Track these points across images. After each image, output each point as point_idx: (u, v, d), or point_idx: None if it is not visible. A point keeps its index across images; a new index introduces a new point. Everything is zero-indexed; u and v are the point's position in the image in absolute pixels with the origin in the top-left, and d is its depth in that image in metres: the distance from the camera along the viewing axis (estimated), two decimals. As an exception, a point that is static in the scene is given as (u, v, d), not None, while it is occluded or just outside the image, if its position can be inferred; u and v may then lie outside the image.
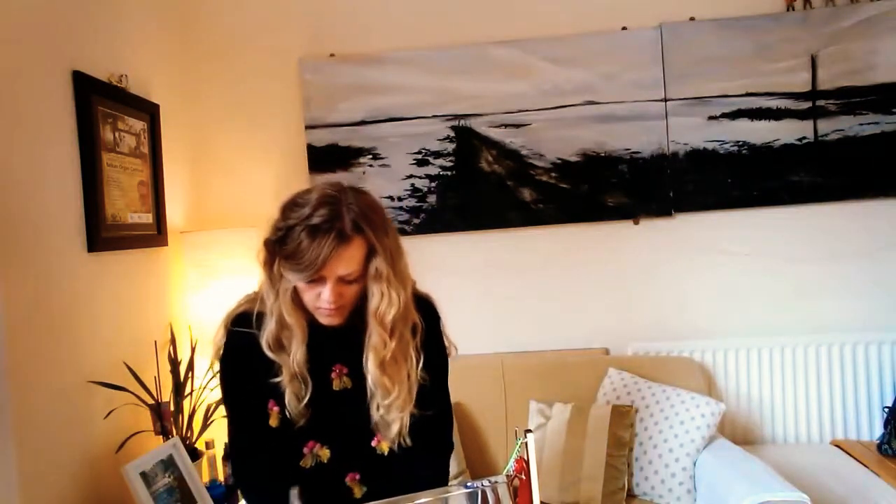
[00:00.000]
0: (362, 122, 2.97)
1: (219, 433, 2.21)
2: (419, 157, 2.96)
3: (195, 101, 3.01)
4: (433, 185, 2.96)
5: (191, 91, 3.00)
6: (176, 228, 2.79)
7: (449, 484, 2.24)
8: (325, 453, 1.43)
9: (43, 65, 2.07)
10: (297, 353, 1.38)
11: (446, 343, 1.54)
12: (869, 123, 2.80)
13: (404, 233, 2.96)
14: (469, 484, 1.13)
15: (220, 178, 3.04)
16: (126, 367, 2.29)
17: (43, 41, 2.07)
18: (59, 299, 2.07)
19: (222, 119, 3.04)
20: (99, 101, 2.28)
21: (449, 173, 2.96)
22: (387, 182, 2.96)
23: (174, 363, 2.45)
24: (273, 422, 1.41)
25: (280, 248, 1.30)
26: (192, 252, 2.71)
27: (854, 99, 2.80)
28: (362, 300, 1.39)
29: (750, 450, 2.42)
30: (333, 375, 1.43)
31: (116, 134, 2.39)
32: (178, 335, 2.58)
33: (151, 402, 2.32)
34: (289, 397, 1.39)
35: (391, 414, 1.39)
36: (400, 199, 2.97)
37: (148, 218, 2.58)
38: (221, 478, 2.46)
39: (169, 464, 2.17)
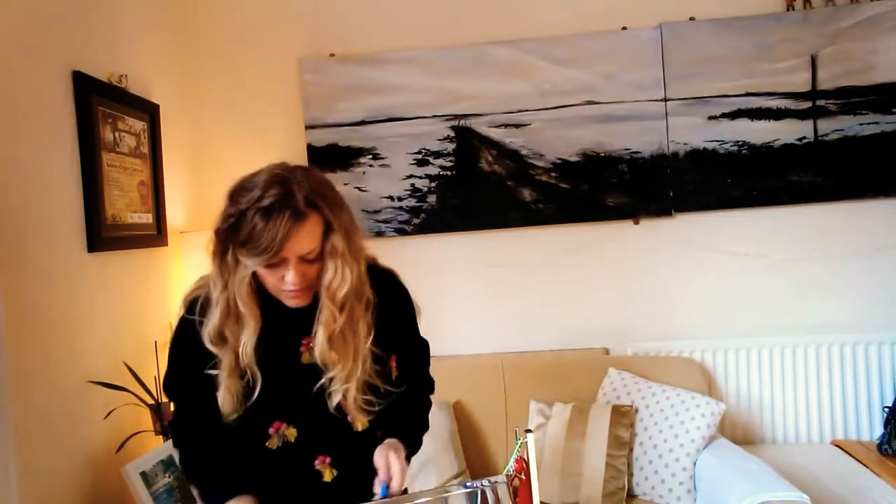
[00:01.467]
0: (362, 122, 2.97)
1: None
2: (419, 157, 2.96)
3: (195, 101, 3.01)
4: (433, 185, 2.96)
5: (191, 91, 3.00)
6: (176, 228, 2.79)
7: (449, 483, 2.24)
8: (291, 433, 1.38)
9: (43, 65, 2.07)
10: (246, 346, 1.33)
11: (415, 305, 1.50)
12: (869, 123, 2.80)
13: (404, 233, 2.96)
14: (469, 484, 1.13)
15: (220, 178, 2.99)
16: (126, 367, 2.29)
17: (43, 41, 2.07)
18: (59, 299, 2.07)
19: (222, 119, 3.04)
20: (99, 101, 2.28)
21: (449, 173, 2.96)
22: (387, 182, 2.96)
23: (174, 363, 2.45)
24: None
25: (233, 235, 1.26)
26: (192, 252, 2.71)
27: (854, 99, 2.80)
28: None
29: (750, 450, 2.41)
30: (302, 349, 1.39)
31: (116, 134, 2.39)
32: (178, 335, 2.57)
33: (151, 402, 2.32)
34: (223, 393, 1.33)
35: (333, 386, 1.35)
36: (400, 199, 2.97)
37: (148, 218, 2.58)
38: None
39: (169, 464, 2.17)
